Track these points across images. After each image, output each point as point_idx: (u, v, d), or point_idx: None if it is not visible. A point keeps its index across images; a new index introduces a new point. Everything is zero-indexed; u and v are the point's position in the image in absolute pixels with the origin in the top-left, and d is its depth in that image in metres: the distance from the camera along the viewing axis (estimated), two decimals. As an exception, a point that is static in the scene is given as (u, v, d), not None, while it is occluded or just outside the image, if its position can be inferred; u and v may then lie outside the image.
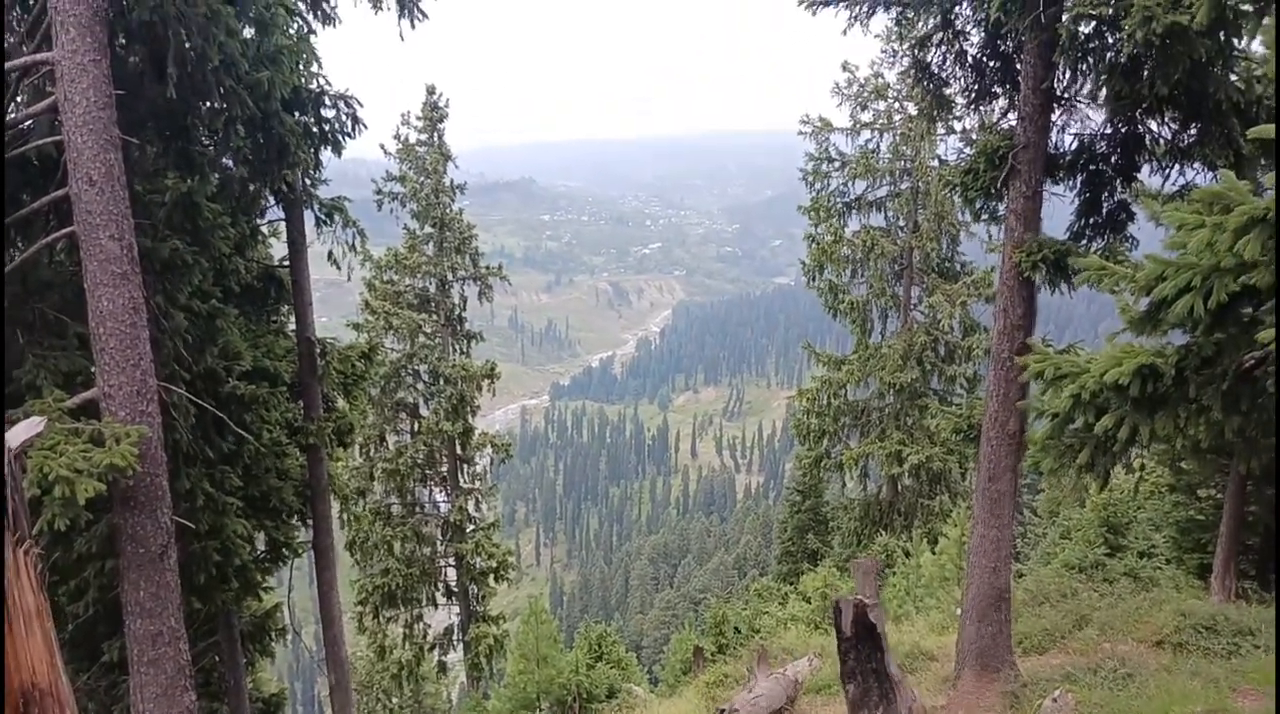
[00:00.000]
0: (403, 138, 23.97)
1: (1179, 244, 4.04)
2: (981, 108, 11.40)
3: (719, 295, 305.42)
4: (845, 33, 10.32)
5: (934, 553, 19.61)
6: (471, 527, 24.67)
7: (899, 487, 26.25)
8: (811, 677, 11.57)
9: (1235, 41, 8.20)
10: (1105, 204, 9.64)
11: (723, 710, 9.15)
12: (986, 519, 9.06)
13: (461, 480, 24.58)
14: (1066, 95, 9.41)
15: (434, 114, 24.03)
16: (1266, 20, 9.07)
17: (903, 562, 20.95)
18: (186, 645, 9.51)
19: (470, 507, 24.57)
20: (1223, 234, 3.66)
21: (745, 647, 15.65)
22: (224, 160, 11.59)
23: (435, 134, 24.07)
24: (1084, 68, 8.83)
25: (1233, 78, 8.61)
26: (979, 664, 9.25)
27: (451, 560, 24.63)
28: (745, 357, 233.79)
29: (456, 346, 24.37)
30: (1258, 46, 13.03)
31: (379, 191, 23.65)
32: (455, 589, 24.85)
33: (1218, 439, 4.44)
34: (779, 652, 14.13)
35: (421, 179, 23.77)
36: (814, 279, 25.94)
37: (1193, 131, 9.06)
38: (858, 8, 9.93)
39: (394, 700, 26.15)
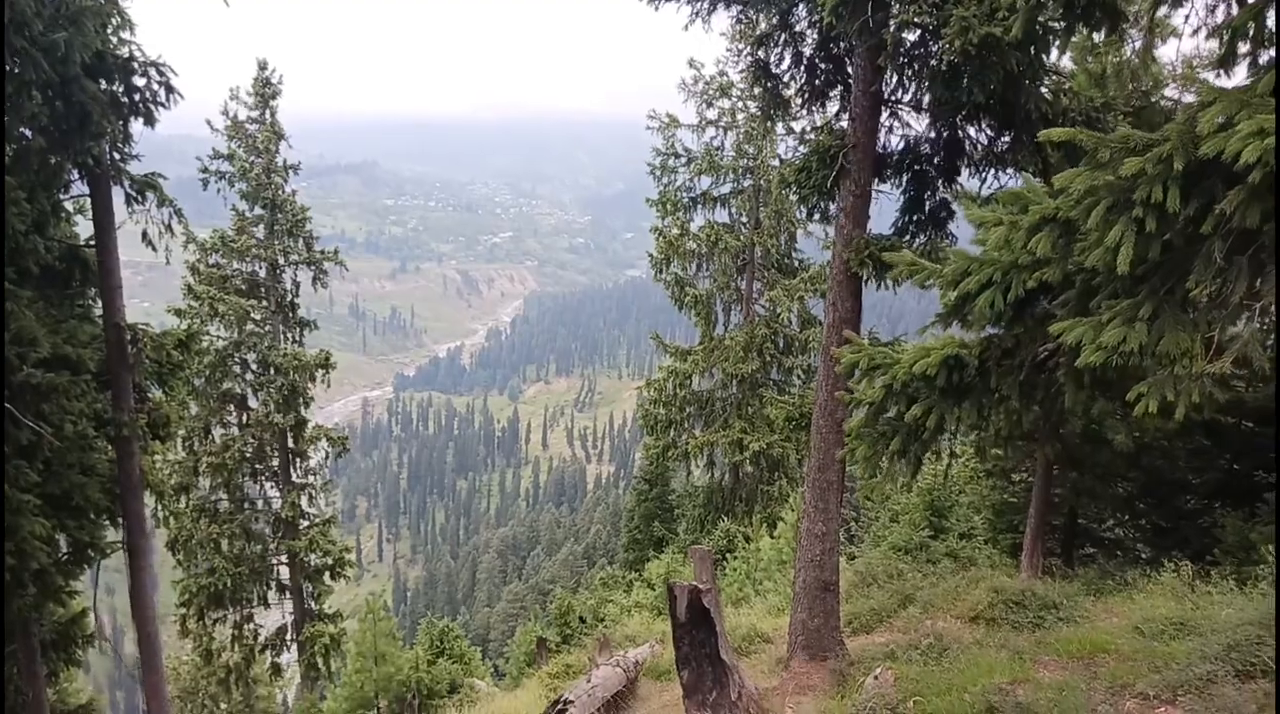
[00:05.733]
0: (231, 114, 22.61)
1: (981, 241, 4.28)
2: (815, 109, 11.78)
3: (571, 286, 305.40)
4: (687, 28, 10.42)
5: (772, 537, 20.24)
6: (306, 523, 23.66)
7: (740, 474, 26.98)
8: (652, 662, 11.71)
9: (1045, 57, 8.76)
10: (928, 202, 10.11)
11: (559, 702, 9.08)
12: (814, 511, 9.35)
13: (294, 475, 23.51)
14: (893, 99, 9.81)
15: (266, 90, 22.78)
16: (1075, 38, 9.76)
17: (743, 546, 21.52)
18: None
19: (304, 502, 23.54)
20: (1018, 232, 3.89)
21: (590, 636, 15.68)
22: (20, 129, 10.56)
23: (267, 111, 22.83)
24: (909, 73, 9.23)
25: (1043, 90, 9.21)
26: (809, 647, 9.55)
27: (284, 558, 23.56)
28: (598, 348, 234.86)
29: (289, 335, 23.25)
30: (1066, 61, 14.04)
31: (205, 169, 22.22)
32: (289, 587, 23.82)
33: (1017, 428, 4.73)
34: (622, 639, 14.23)
35: (251, 158, 22.51)
36: (661, 272, 26.29)
37: (1006, 139, 9.63)
38: (699, 4, 10.03)
39: (222, 706, 24.89)
